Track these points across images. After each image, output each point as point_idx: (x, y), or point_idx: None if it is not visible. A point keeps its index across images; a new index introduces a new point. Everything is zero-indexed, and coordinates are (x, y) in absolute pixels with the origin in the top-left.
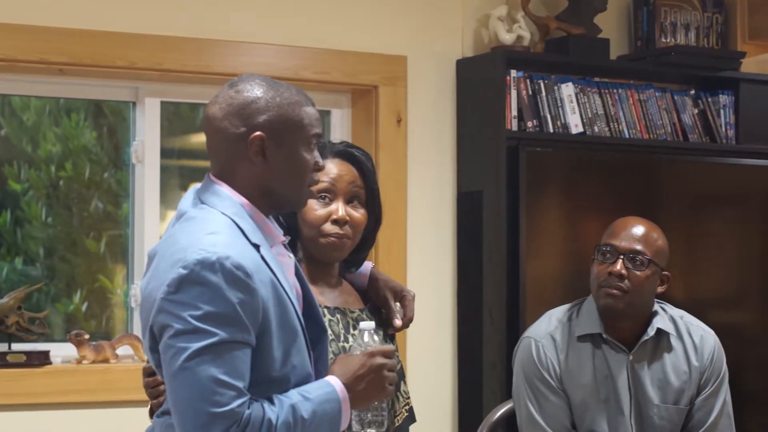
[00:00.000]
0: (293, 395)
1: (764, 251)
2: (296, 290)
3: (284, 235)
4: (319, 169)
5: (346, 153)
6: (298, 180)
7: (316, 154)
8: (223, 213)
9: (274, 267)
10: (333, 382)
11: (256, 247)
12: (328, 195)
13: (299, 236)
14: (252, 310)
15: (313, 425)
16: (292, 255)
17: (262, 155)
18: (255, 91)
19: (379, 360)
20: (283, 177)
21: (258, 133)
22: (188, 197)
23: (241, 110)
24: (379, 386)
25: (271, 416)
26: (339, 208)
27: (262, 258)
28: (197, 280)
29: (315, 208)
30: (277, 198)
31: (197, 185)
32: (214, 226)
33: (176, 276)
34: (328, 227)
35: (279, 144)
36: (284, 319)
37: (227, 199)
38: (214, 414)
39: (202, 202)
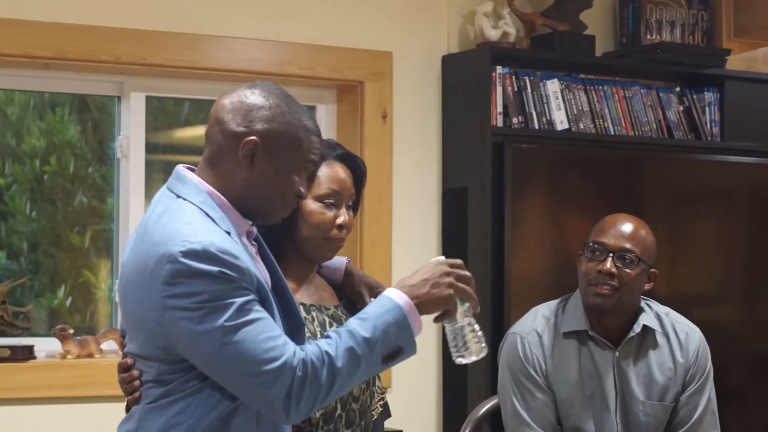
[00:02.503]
0: (350, 322)
1: (748, 248)
2: (267, 281)
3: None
4: (301, 196)
5: (347, 158)
6: (275, 196)
7: (304, 182)
8: (190, 202)
9: (247, 253)
10: (388, 292)
11: (227, 234)
12: (334, 200)
13: (293, 234)
14: (248, 279)
15: (378, 340)
16: (255, 245)
17: (250, 160)
18: (268, 99)
19: (444, 266)
20: (262, 188)
21: (253, 138)
22: (159, 192)
23: (248, 111)
24: (444, 286)
25: (328, 349)
26: (344, 215)
27: (236, 243)
28: (189, 271)
29: (322, 212)
30: (249, 206)
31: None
32: (187, 217)
33: (167, 272)
34: (335, 232)
35: (270, 156)
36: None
37: (194, 187)
38: (272, 370)
39: (170, 191)
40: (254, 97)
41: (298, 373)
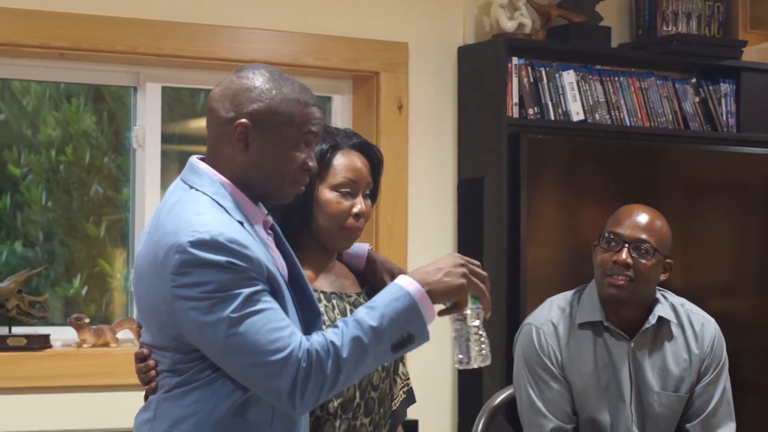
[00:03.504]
0: (359, 311)
1: (763, 239)
2: (283, 271)
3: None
4: (309, 169)
5: (364, 147)
6: (277, 174)
7: (308, 153)
8: (204, 193)
9: (260, 243)
10: (399, 280)
11: (240, 223)
12: (350, 189)
13: (310, 224)
14: (257, 269)
15: (387, 329)
16: (272, 234)
17: (244, 143)
18: (255, 80)
19: (459, 258)
20: (261, 168)
21: (243, 120)
22: (174, 182)
23: (236, 96)
24: (456, 275)
25: (334, 339)
26: (361, 203)
27: (249, 233)
28: (198, 261)
29: (338, 201)
30: (255, 188)
31: None
32: (199, 207)
33: (176, 262)
34: (351, 222)
35: (263, 135)
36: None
37: (207, 178)
38: (277, 361)
39: (184, 182)
40: (240, 80)
41: (303, 364)
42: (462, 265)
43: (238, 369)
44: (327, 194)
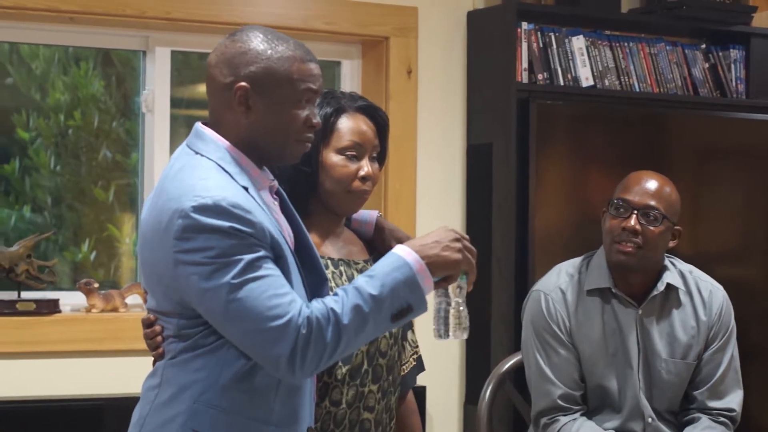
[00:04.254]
0: (358, 279)
1: None
2: (289, 236)
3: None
4: (313, 125)
5: (369, 110)
6: (281, 134)
7: (311, 110)
8: (208, 158)
9: (265, 208)
10: (397, 250)
11: (244, 189)
12: (356, 152)
13: (317, 188)
14: (261, 236)
15: (387, 298)
16: (277, 200)
17: (245, 106)
18: (249, 42)
19: (455, 233)
20: (265, 130)
21: (242, 83)
22: (179, 147)
23: (232, 60)
24: (454, 250)
25: (334, 306)
26: (367, 166)
27: (253, 199)
28: (200, 226)
29: (344, 164)
30: (261, 150)
31: None
32: (204, 173)
33: (179, 227)
34: (357, 184)
35: (263, 96)
36: (287, 256)
37: (212, 143)
38: (276, 327)
39: (189, 148)
40: (235, 44)
41: (303, 330)
42: (458, 240)
43: (237, 335)
44: (333, 158)
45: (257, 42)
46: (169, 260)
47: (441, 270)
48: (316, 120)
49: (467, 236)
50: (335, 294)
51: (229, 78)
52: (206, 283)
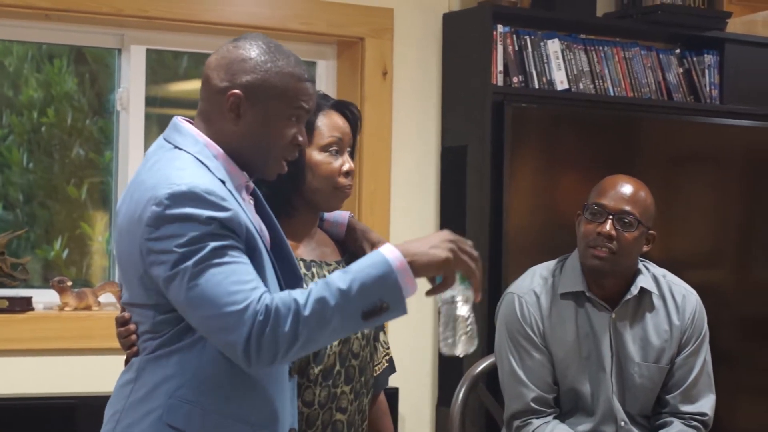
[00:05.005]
0: (333, 274)
1: (743, 211)
2: (263, 236)
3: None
4: (298, 144)
5: (342, 106)
6: (266, 148)
7: (299, 129)
8: (187, 151)
9: (241, 203)
10: (381, 248)
11: (221, 182)
12: (338, 147)
13: (301, 188)
14: (234, 224)
15: (356, 292)
16: (252, 200)
17: (236, 113)
18: (251, 51)
19: (448, 234)
20: (251, 141)
21: (236, 90)
22: (155, 143)
23: (231, 65)
24: (443, 249)
25: (297, 297)
26: (348, 161)
27: (229, 192)
28: (173, 214)
29: (328, 161)
30: (244, 160)
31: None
32: (180, 163)
33: (151, 214)
34: (342, 180)
35: (255, 107)
36: (262, 250)
37: (190, 137)
38: (233, 313)
39: (167, 141)
40: (237, 50)
41: (260, 317)
42: (450, 241)
43: (198, 321)
44: (317, 156)
45: (259, 52)
46: (143, 248)
47: (427, 270)
48: (303, 139)
49: (469, 241)
50: (305, 286)
51: (224, 83)
52: (173, 269)
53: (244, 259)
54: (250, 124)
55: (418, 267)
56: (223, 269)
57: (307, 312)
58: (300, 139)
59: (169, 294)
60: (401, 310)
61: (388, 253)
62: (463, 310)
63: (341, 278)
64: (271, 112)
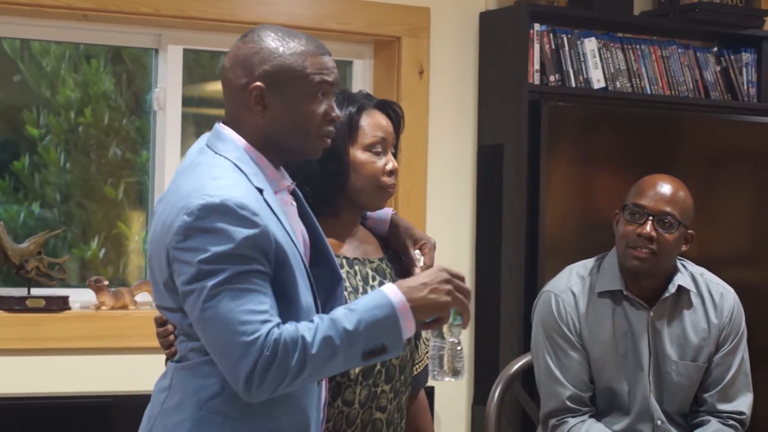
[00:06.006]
0: (338, 310)
1: None
2: (303, 239)
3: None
4: (332, 119)
5: (386, 105)
6: (300, 130)
7: (328, 104)
8: (226, 158)
9: (278, 211)
10: (385, 289)
11: (260, 191)
12: (381, 147)
13: (345, 188)
14: (262, 242)
15: (362, 335)
16: (294, 203)
17: (262, 105)
18: (261, 42)
19: (446, 274)
20: (284, 127)
21: (257, 83)
22: (196, 144)
23: (245, 61)
24: (442, 293)
25: (305, 334)
26: (392, 161)
27: (265, 201)
28: (202, 226)
29: (373, 161)
30: (282, 147)
31: (209, 133)
32: (217, 171)
33: (182, 224)
34: (386, 179)
35: (279, 94)
36: (293, 261)
37: (231, 143)
38: (241, 344)
39: (208, 147)
40: (246, 45)
41: (266, 352)
42: (447, 282)
43: (207, 342)
44: (360, 155)
45: (269, 41)
46: (170, 255)
47: (426, 313)
48: (335, 113)
49: (462, 275)
50: (311, 321)
51: (243, 79)
52: (191, 285)
53: (263, 286)
54: (279, 112)
55: (418, 311)
56: (238, 296)
57: (314, 350)
58: (332, 114)
59: (185, 306)
60: (398, 350)
61: (393, 294)
62: (452, 340)
63: (348, 318)
64: (296, 93)
